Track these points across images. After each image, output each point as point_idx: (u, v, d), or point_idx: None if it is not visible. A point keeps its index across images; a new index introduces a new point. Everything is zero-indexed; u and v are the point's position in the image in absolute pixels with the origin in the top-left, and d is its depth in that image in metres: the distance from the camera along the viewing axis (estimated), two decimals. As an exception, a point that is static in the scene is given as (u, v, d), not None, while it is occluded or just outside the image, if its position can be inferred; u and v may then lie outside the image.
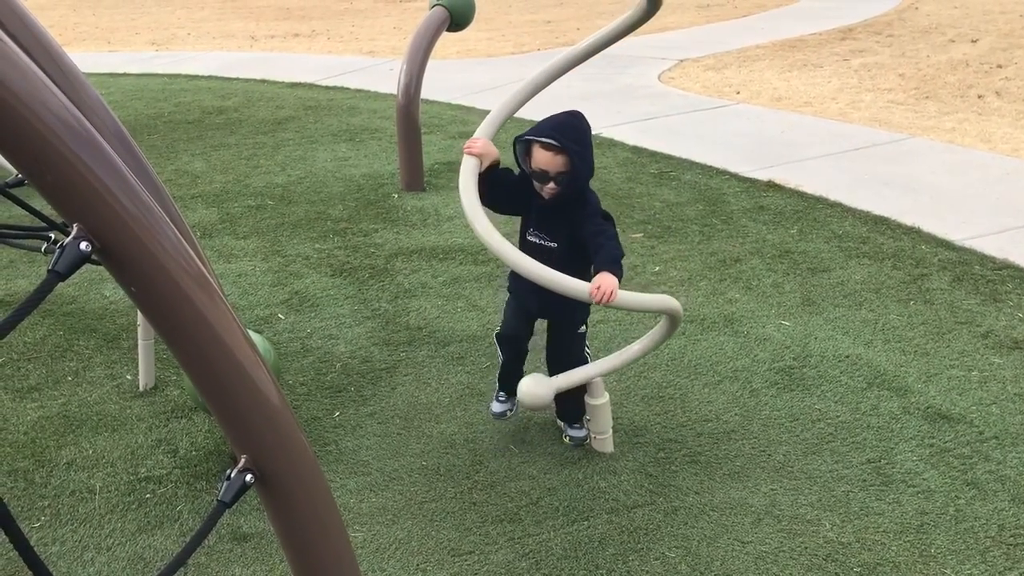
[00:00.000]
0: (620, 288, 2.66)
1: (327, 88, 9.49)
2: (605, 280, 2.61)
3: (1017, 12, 13.25)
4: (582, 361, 3.11)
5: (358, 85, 9.53)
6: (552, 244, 2.92)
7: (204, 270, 1.98)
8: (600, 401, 3.08)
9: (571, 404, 3.18)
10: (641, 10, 2.87)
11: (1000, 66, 9.58)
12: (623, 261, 2.76)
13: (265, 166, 6.71)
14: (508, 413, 3.28)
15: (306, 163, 6.76)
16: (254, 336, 3.17)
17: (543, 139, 2.78)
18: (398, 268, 4.80)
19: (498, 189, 2.93)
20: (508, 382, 3.21)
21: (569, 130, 2.81)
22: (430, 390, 3.63)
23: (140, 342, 3.62)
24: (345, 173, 6.49)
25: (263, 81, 9.90)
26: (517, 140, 2.88)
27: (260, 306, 4.40)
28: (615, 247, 2.76)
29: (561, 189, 2.82)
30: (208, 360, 1.94)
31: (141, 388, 3.67)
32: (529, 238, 2.98)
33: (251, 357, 1.98)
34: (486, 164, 2.89)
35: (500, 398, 3.28)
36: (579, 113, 2.89)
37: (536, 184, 2.87)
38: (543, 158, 2.80)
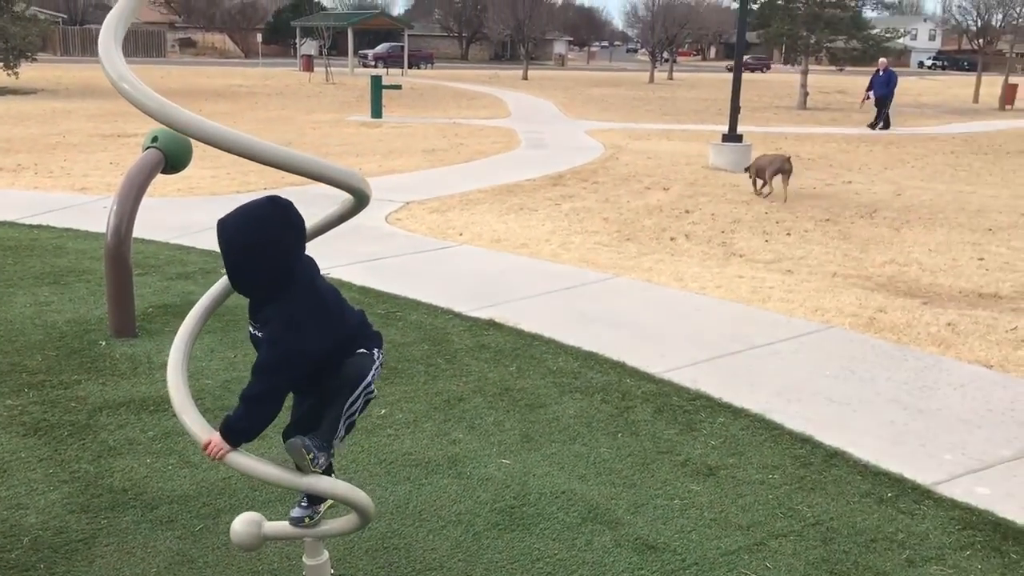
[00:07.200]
0: None
1: (30, 227, 8.83)
2: (215, 437, 2.59)
3: (699, 164, 15.07)
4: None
5: (67, 223, 8.96)
6: (260, 333, 2.69)
7: None
8: (319, 560, 2.97)
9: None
10: (349, 205, 2.88)
11: (688, 211, 10.77)
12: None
13: (-51, 313, 6.05)
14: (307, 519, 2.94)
15: (0, 309, 6.18)
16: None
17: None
18: (103, 424, 4.44)
19: None
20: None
21: (234, 236, 2.58)
22: (134, 560, 3.33)
23: None
24: (46, 319, 5.99)
25: (-47, 218, 9.04)
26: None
27: (-67, 476, 3.88)
28: (238, 411, 2.59)
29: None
30: None
31: None
32: (249, 328, 2.74)
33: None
34: None
35: (303, 503, 2.94)
36: (260, 209, 2.64)
37: None
38: None
